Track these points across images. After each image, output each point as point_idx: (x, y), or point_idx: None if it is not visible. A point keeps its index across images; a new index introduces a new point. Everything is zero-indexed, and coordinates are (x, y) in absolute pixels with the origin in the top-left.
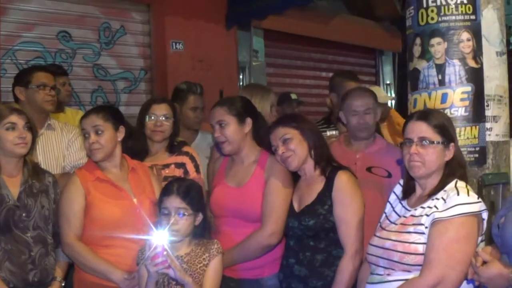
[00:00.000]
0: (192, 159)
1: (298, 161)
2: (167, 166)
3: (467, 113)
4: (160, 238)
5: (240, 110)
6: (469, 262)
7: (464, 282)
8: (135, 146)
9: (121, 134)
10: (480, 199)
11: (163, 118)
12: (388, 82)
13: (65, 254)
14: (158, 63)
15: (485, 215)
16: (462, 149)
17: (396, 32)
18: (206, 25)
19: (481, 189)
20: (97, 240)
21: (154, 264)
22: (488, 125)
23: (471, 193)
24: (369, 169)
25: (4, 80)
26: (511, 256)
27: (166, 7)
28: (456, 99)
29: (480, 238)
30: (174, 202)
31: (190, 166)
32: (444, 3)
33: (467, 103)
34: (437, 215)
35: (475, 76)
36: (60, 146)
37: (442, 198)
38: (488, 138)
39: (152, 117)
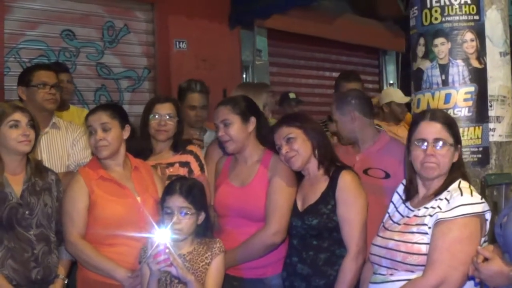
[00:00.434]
0: (197, 158)
1: (302, 161)
2: (171, 165)
3: (470, 114)
4: (163, 236)
5: (244, 109)
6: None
7: None
8: (139, 145)
9: (126, 132)
10: (483, 200)
11: (167, 117)
12: (391, 82)
13: (69, 252)
14: (161, 62)
15: (488, 216)
16: (465, 150)
17: (399, 32)
18: (209, 24)
19: (484, 189)
20: (101, 238)
21: (157, 262)
22: (491, 125)
23: (475, 193)
24: (365, 171)
25: (8, 79)
26: None
27: (169, 6)
28: (459, 100)
29: (483, 239)
30: (177, 201)
31: (194, 165)
32: (448, 3)
33: (470, 103)
34: (440, 215)
35: (479, 77)
36: (64, 145)
37: (446, 198)
38: (491, 139)
39: (156, 116)
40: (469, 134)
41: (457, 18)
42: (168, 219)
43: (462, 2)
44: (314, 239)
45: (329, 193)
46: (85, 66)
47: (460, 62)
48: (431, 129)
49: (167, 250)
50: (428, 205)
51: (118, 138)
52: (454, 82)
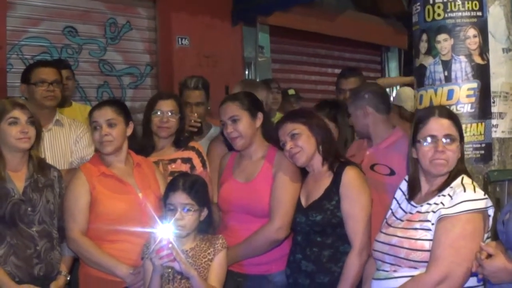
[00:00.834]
0: (199, 154)
1: (306, 157)
2: (173, 161)
3: (473, 110)
4: (165, 231)
5: (251, 104)
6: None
7: None
8: (142, 141)
9: (129, 129)
10: (486, 196)
11: (169, 114)
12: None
13: (70, 249)
14: (163, 58)
15: (491, 212)
16: (468, 146)
17: (402, 28)
18: (212, 21)
19: (487, 185)
20: (103, 234)
21: (159, 257)
22: (494, 121)
23: (478, 189)
24: (372, 167)
25: (10, 75)
26: None
27: (172, 3)
28: (462, 96)
29: (486, 235)
30: (180, 198)
31: (196, 161)
32: None
33: (473, 99)
34: (443, 211)
35: (481, 73)
36: (68, 141)
37: (449, 194)
38: (494, 135)
39: (158, 113)
40: (471, 130)
41: (459, 14)
42: (171, 215)
43: None
44: (318, 235)
45: (333, 189)
46: (87, 62)
47: (463, 58)
48: (441, 125)
49: (170, 245)
50: (431, 201)
51: (123, 134)
52: (457, 78)
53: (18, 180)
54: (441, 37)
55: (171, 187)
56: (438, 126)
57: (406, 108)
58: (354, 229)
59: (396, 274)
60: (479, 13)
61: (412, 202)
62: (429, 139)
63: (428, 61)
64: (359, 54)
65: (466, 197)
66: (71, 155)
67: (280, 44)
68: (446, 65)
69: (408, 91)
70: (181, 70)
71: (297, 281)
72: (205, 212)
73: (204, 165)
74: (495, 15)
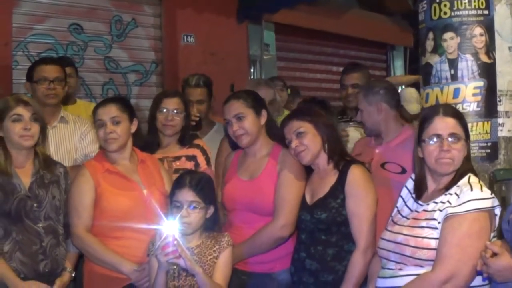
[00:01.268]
0: (203, 151)
1: (312, 155)
2: (178, 158)
3: (479, 108)
4: (171, 228)
5: (255, 102)
6: None
7: None
8: (147, 138)
9: (134, 126)
10: (493, 195)
11: (174, 112)
12: None
13: (75, 245)
14: (169, 56)
15: (497, 211)
16: (473, 145)
17: (407, 27)
18: (217, 18)
19: (493, 184)
20: (107, 231)
21: (165, 253)
22: (500, 120)
23: (484, 188)
24: (383, 165)
25: (16, 72)
26: None
27: (177, 1)
28: (468, 94)
29: (492, 234)
30: (187, 195)
31: (201, 159)
32: None
33: (479, 98)
34: (450, 210)
35: (488, 71)
36: (72, 138)
37: (455, 193)
38: (500, 134)
39: (164, 111)
40: (477, 129)
41: (466, 12)
42: (177, 212)
43: None
44: (323, 233)
45: (338, 187)
46: (93, 60)
47: (469, 56)
48: (446, 124)
49: (175, 242)
50: (438, 200)
51: (127, 132)
52: (463, 76)
53: (24, 176)
54: (448, 35)
55: (177, 184)
56: (443, 125)
57: (407, 109)
58: (359, 227)
59: (401, 273)
60: (486, 12)
61: (419, 200)
62: (434, 138)
63: (434, 59)
64: (365, 53)
65: (473, 196)
66: (75, 152)
67: (286, 42)
68: (452, 64)
69: (412, 92)
70: (186, 68)
71: (301, 279)
72: (211, 210)
73: (208, 163)
74: (501, 13)
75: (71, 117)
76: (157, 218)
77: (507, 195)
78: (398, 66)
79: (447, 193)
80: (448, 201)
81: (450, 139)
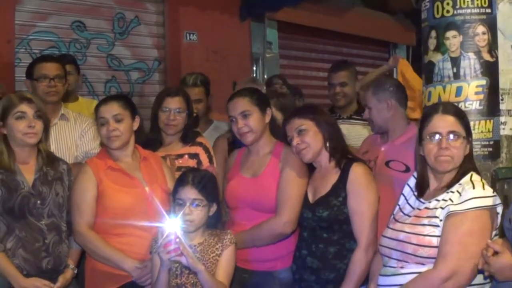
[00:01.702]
0: (206, 149)
1: (313, 153)
2: (180, 156)
3: (481, 107)
4: (173, 226)
5: (259, 100)
6: None
7: None
8: (149, 136)
9: (136, 123)
10: (495, 193)
11: (177, 112)
12: None
13: (77, 243)
14: (171, 53)
15: (499, 209)
16: (476, 143)
17: (410, 25)
18: (220, 16)
19: (495, 183)
20: (109, 228)
21: (167, 251)
22: (502, 119)
23: (486, 186)
24: (387, 163)
25: (19, 70)
26: None
27: None
28: (470, 93)
29: (494, 232)
30: (189, 193)
31: (203, 157)
32: None
33: (481, 96)
34: (452, 208)
35: (490, 70)
36: (73, 136)
37: (457, 191)
38: (502, 132)
39: (165, 110)
40: (480, 128)
41: (469, 11)
42: (179, 210)
43: None
44: (324, 231)
45: (340, 186)
46: (95, 57)
47: (471, 55)
48: (445, 122)
49: (177, 240)
50: (440, 198)
51: (130, 129)
52: (465, 75)
53: (28, 173)
54: (450, 33)
55: (180, 182)
56: (441, 123)
57: None
58: (360, 226)
59: (403, 270)
60: (488, 10)
61: (421, 198)
62: (433, 136)
63: (437, 57)
64: (367, 51)
65: (475, 194)
66: (76, 149)
67: (288, 40)
68: (455, 62)
69: None
70: (189, 65)
71: (302, 277)
72: (214, 208)
73: (211, 161)
74: (504, 12)
75: (71, 114)
76: (159, 216)
77: (509, 193)
78: None
79: (449, 191)
80: (450, 199)
81: (449, 137)
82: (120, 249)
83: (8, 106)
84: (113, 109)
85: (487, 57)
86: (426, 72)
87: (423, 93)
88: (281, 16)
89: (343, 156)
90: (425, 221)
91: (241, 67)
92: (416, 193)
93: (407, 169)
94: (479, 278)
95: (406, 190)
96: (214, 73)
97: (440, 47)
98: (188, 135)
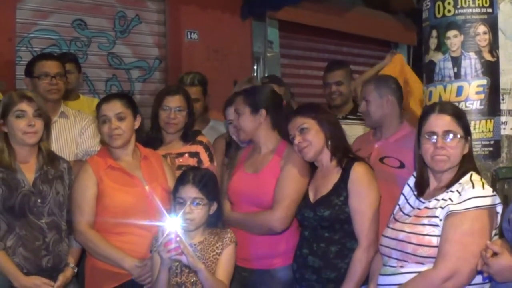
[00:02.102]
0: (206, 148)
1: (314, 151)
2: (181, 155)
3: (482, 107)
4: (173, 225)
5: (254, 100)
6: None
7: None
8: (150, 135)
9: (137, 122)
10: (495, 193)
11: (177, 110)
12: None
13: (77, 241)
14: (172, 52)
15: (499, 209)
16: (476, 143)
17: (411, 25)
18: (221, 15)
19: (495, 182)
20: (110, 227)
21: (167, 250)
22: (503, 118)
23: (486, 186)
24: (381, 160)
25: (20, 68)
26: None
27: None
28: (471, 92)
29: (493, 232)
30: (190, 192)
31: (204, 156)
32: None
33: (482, 96)
34: (452, 207)
35: (491, 70)
36: (73, 133)
37: (457, 191)
38: (502, 132)
39: (166, 109)
40: (480, 127)
41: (470, 10)
42: (180, 208)
43: None
44: (326, 231)
45: (341, 185)
46: (96, 56)
47: (472, 54)
48: (441, 122)
49: (177, 239)
50: (439, 197)
51: (131, 128)
52: (466, 74)
53: (28, 172)
54: (451, 33)
55: (180, 181)
56: (437, 122)
57: None
58: (361, 225)
59: (403, 270)
60: (490, 10)
61: (420, 198)
62: (429, 136)
63: (437, 57)
64: (368, 50)
65: (475, 193)
66: (76, 147)
67: (289, 39)
68: (456, 62)
69: None
70: (189, 64)
71: (303, 276)
72: (214, 206)
73: (211, 160)
74: (505, 12)
75: (71, 112)
76: (159, 214)
77: (510, 193)
78: None
79: (448, 190)
80: (450, 199)
81: (445, 137)
82: (120, 247)
83: (9, 104)
84: (115, 107)
85: (488, 57)
86: (427, 71)
87: (424, 93)
88: (282, 15)
89: (345, 155)
90: (425, 221)
91: (242, 66)
92: (416, 193)
93: (402, 165)
94: (479, 278)
95: (406, 190)
96: (215, 72)
97: (441, 47)
98: (189, 134)
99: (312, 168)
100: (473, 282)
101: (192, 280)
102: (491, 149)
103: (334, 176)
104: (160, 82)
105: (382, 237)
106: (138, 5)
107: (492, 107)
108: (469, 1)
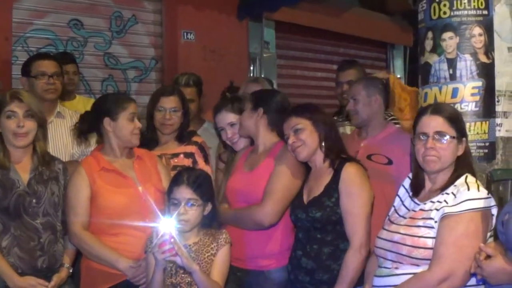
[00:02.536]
0: (201, 149)
1: (307, 152)
2: (176, 155)
3: (477, 108)
4: (168, 226)
5: (254, 99)
6: None
7: None
8: (145, 135)
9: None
10: (490, 195)
11: (172, 111)
12: (398, 76)
13: (72, 243)
14: (169, 53)
15: (494, 211)
16: (471, 144)
17: (407, 26)
18: (217, 15)
19: (490, 184)
20: (104, 228)
21: (162, 251)
22: (498, 120)
23: (481, 188)
24: (369, 157)
25: (16, 67)
26: None
27: None
28: (466, 94)
29: (489, 234)
30: (184, 192)
31: (199, 156)
32: None
33: (477, 98)
34: (447, 209)
35: (486, 71)
36: (69, 133)
37: (452, 193)
38: (498, 134)
39: (161, 110)
40: (475, 129)
41: (465, 12)
42: (174, 209)
43: None
44: (318, 232)
45: (333, 186)
46: (92, 56)
47: (468, 56)
48: (432, 123)
49: (172, 240)
50: (435, 199)
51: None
52: (461, 76)
53: (23, 172)
54: (447, 35)
55: (175, 182)
56: (429, 123)
57: None
58: (353, 226)
59: (398, 271)
60: (485, 12)
61: (416, 200)
62: (421, 136)
63: (433, 59)
64: (365, 51)
65: (470, 196)
66: (72, 147)
67: (286, 40)
68: (451, 63)
69: None
70: (186, 65)
71: (297, 277)
72: (209, 207)
73: (206, 160)
74: (501, 13)
75: (67, 111)
76: (153, 215)
77: (504, 195)
78: (398, 65)
79: (444, 192)
80: (445, 201)
81: (435, 137)
82: (115, 248)
83: (1, 104)
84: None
85: (483, 58)
86: (423, 73)
87: (419, 94)
88: (279, 16)
89: (338, 156)
90: (420, 223)
91: (238, 67)
92: (411, 193)
93: (390, 162)
94: (473, 281)
95: (401, 192)
96: (211, 73)
97: (437, 48)
98: (184, 134)
99: (307, 169)
100: (468, 284)
101: (187, 281)
102: (486, 151)
103: (326, 177)
104: (156, 82)
105: (378, 238)
106: (135, 5)
107: (487, 109)
108: (464, 3)
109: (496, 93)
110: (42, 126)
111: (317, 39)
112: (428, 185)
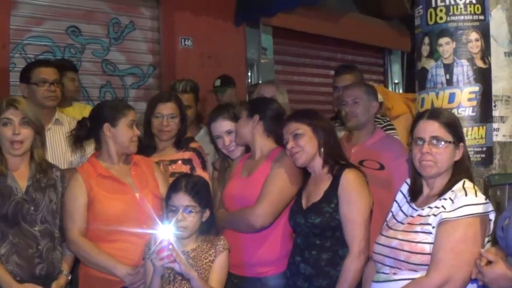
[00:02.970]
0: (199, 155)
1: (306, 157)
2: (174, 162)
3: (474, 113)
4: (166, 232)
5: (250, 106)
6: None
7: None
8: (143, 142)
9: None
10: (487, 200)
11: (170, 118)
12: (396, 81)
13: (70, 250)
14: (166, 59)
15: (492, 216)
16: (468, 149)
17: (405, 31)
18: (215, 21)
19: (487, 189)
20: (102, 235)
21: (160, 258)
22: (495, 125)
23: (479, 194)
24: (361, 163)
25: (13, 74)
26: None
27: (175, 3)
28: (463, 99)
29: (486, 239)
30: (182, 199)
31: (196, 162)
32: (453, 2)
33: (474, 103)
34: (444, 215)
35: (483, 76)
36: (67, 140)
37: (450, 198)
38: (495, 139)
39: (158, 116)
40: (472, 134)
41: (462, 17)
42: (172, 216)
43: (467, 1)
44: (317, 238)
45: (332, 192)
46: (90, 62)
47: (464, 61)
48: (428, 128)
49: (170, 246)
50: (432, 205)
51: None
52: (458, 81)
53: (21, 179)
54: (443, 40)
55: (173, 188)
56: (425, 128)
57: None
58: (352, 232)
59: (396, 277)
60: (481, 17)
61: (413, 205)
62: (417, 141)
63: (430, 64)
64: (362, 57)
65: (468, 201)
66: (71, 154)
67: (283, 45)
68: (448, 69)
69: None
70: (183, 71)
71: (296, 283)
72: (207, 213)
73: (204, 166)
74: (497, 19)
75: (65, 118)
76: (150, 221)
77: (502, 200)
78: (396, 70)
79: (441, 198)
80: (443, 206)
81: (431, 142)
82: (113, 254)
83: None
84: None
85: (480, 63)
86: (419, 78)
87: (416, 100)
88: (276, 22)
89: (337, 162)
90: (418, 228)
91: (236, 73)
92: (409, 199)
93: (381, 167)
94: (473, 287)
95: (399, 197)
96: (209, 79)
97: (433, 54)
98: (182, 141)
99: (306, 174)
100: None
101: None
102: (483, 155)
103: (325, 183)
104: (154, 88)
105: (375, 244)
106: (132, 12)
107: (484, 113)
108: (461, 8)
109: (493, 98)
110: (40, 133)
111: (314, 44)
112: (425, 190)
